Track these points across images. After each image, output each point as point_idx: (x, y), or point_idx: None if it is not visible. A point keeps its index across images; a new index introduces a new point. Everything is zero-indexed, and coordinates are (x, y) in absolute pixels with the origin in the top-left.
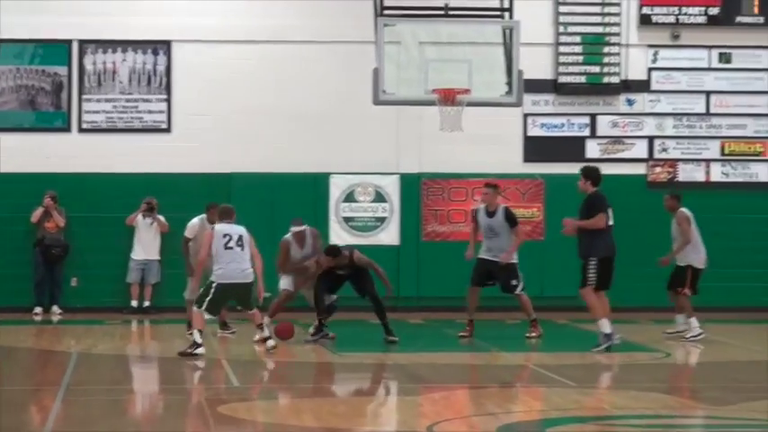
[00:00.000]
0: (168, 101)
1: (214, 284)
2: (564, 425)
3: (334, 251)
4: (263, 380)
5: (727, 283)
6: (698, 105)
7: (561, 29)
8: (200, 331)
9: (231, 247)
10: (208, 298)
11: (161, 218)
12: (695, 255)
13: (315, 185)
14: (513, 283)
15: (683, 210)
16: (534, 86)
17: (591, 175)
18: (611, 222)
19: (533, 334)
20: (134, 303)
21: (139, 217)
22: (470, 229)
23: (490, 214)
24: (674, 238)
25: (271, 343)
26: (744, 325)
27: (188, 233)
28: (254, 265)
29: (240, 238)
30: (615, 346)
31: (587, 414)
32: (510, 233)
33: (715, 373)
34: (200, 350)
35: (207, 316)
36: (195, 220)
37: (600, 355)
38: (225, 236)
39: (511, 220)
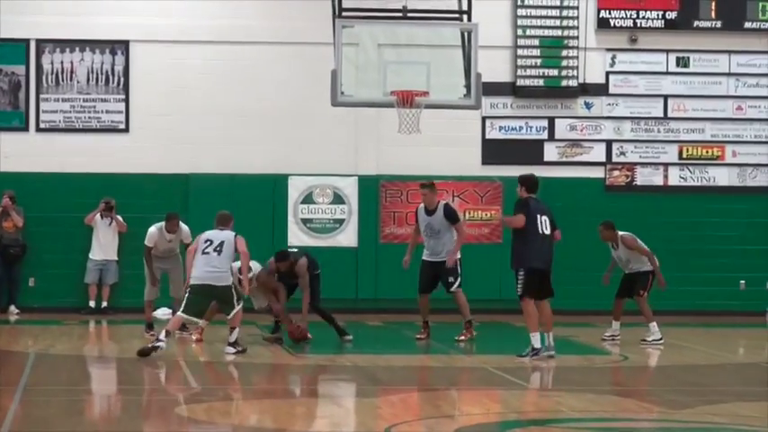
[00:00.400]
0: (126, 101)
1: (189, 286)
2: (522, 427)
3: (281, 256)
4: (221, 381)
5: (685, 286)
6: (656, 109)
7: (520, 32)
8: (167, 332)
9: (207, 252)
10: (185, 300)
11: (119, 218)
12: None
13: (273, 187)
14: (450, 280)
15: (623, 233)
16: (493, 89)
17: (525, 182)
18: (545, 231)
19: (463, 338)
20: (92, 304)
21: (98, 217)
22: (412, 231)
23: (430, 212)
24: (621, 262)
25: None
26: (701, 328)
27: (148, 242)
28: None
29: (221, 243)
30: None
31: (545, 417)
32: (451, 231)
33: (673, 376)
34: (160, 344)
35: (187, 317)
36: (153, 229)
37: (558, 358)
38: (206, 241)
39: (451, 216)
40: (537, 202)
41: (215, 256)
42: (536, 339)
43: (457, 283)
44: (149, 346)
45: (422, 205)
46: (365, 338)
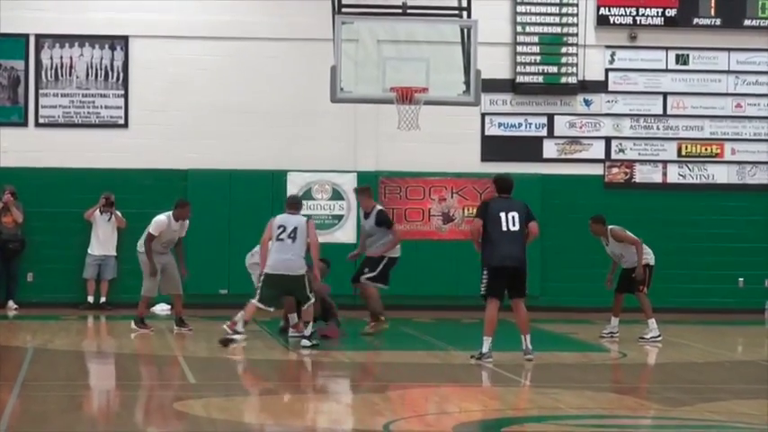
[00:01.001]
0: (125, 96)
1: (263, 275)
2: (520, 424)
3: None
4: (220, 377)
5: (684, 284)
6: (655, 106)
7: (519, 29)
8: (245, 322)
9: (282, 239)
10: (259, 289)
11: (118, 213)
12: (646, 255)
13: (272, 183)
14: (365, 270)
15: (612, 226)
16: (492, 86)
17: (494, 182)
18: (511, 228)
19: (370, 330)
20: (90, 299)
21: (97, 212)
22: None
23: (365, 216)
24: (615, 256)
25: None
26: (700, 326)
27: (154, 230)
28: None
29: (294, 230)
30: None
31: (543, 414)
32: (385, 236)
33: (672, 373)
34: (238, 337)
35: (262, 306)
36: (163, 217)
37: (556, 355)
38: (279, 227)
39: (382, 223)
40: (503, 200)
41: (288, 243)
42: (485, 344)
43: (370, 275)
44: (226, 337)
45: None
46: (359, 335)
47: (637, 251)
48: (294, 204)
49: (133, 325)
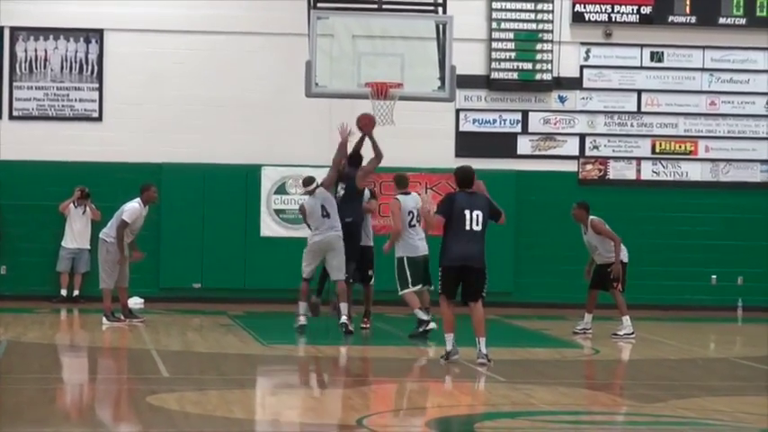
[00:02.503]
0: (100, 90)
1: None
2: (493, 420)
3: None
4: (193, 371)
5: (658, 281)
6: (629, 104)
7: (494, 25)
8: (422, 309)
9: (414, 225)
10: (408, 274)
11: (93, 206)
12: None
13: (246, 177)
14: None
15: (594, 217)
16: (467, 82)
17: (456, 175)
18: (474, 228)
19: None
20: (64, 292)
21: (71, 205)
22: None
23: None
24: (591, 247)
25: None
26: (674, 323)
27: (128, 217)
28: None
29: (418, 213)
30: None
31: (517, 409)
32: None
33: (644, 370)
34: (431, 325)
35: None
36: (136, 205)
37: (529, 351)
38: (409, 213)
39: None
40: (468, 196)
41: (419, 228)
42: (447, 341)
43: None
44: (421, 330)
45: None
46: (337, 329)
47: (615, 248)
48: (405, 183)
49: (105, 321)
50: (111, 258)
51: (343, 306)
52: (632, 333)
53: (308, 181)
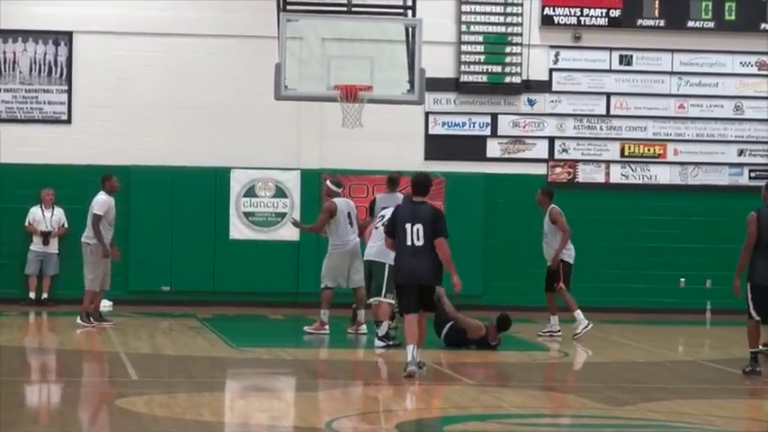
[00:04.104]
0: (69, 92)
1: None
2: (463, 423)
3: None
4: (162, 374)
5: (626, 284)
6: (598, 107)
7: (464, 28)
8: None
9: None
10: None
11: (61, 210)
12: (566, 251)
13: (215, 180)
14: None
15: (554, 206)
16: (436, 85)
17: (411, 182)
18: (415, 242)
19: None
20: (32, 295)
21: (39, 208)
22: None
23: None
24: (543, 234)
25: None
26: (642, 326)
27: (100, 209)
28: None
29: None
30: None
31: (486, 412)
32: None
33: (613, 373)
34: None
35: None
36: (102, 196)
37: (498, 354)
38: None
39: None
40: (412, 208)
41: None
42: (408, 353)
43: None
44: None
45: None
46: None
47: (561, 238)
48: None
49: (78, 320)
50: (96, 259)
51: (361, 313)
52: (588, 325)
53: (340, 183)
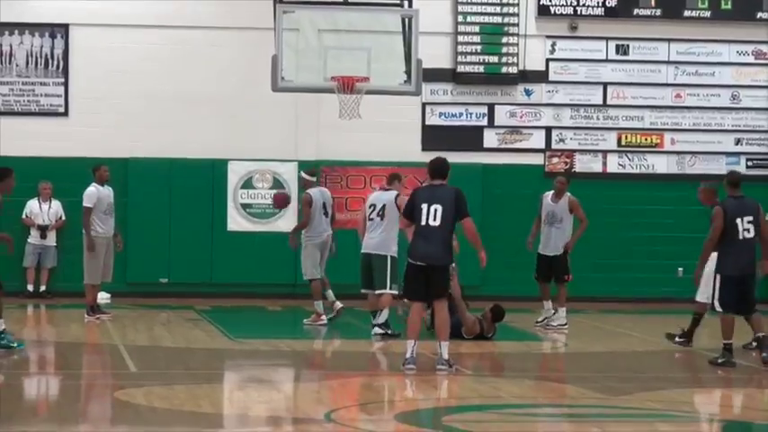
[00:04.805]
0: (66, 85)
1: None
2: (461, 413)
3: None
4: (160, 365)
5: (624, 273)
6: (595, 96)
7: (460, 18)
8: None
9: (372, 218)
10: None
11: (58, 203)
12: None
13: (213, 171)
14: None
15: (572, 196)
16: (433, 75)
17: (428, 167)
18: (430, 222)
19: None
20: (30, 288)
21: (36, 201)
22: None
23: None
24: (551, 216)
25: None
26: (640, 315)
27: (88, 201)
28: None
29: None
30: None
31: (485, 402)
32: None
33: (612, 362)
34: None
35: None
36: (90, 188)
37: (495, 344)
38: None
39: None
40: (431, 189)
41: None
42: (408, 348)
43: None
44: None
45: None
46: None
47: (581, 228)
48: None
49: (86, 316)
50: (89, 252)
51: (319, 304)
52: (565, 325)
53: (314, 172)
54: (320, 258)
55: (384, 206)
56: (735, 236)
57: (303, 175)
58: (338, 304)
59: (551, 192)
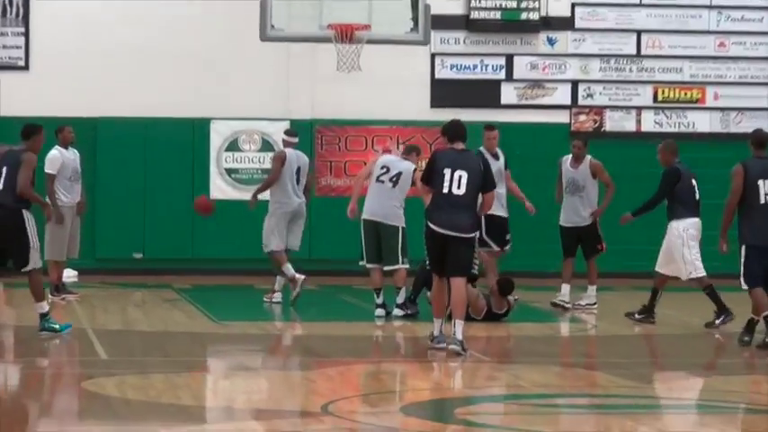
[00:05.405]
0: (26, 35)
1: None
2: (476, 404)
3: None
4: (134, 352)
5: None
6: (627, 46)
7: None
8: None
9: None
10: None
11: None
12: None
13: (193, 132)
14: None
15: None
16: (443, 23)
17: (443, 131)
18: (453, 191)
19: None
20: None
21: None
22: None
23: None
24: (572, 184)
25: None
26: (678, 293)
27: (51, 168)
28: None
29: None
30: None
31: (503, 392)
32: None
33: (647, 347)
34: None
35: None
36: (53, 152)
37: (515, 326)
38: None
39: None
40: (454, 154)
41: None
42: (435, 326)
43: None
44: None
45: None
46: (298, 304)
47: (607, 194)
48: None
49: (49, 296)
50: (52, 223)
51: (280, 279)
52: (595, 303)
53: (295, 132)
54: (295, 229)
55: (400, 174)
56: (755, 200)
57: (284, 136)
58: (299, 277)
59: (570, 156)
